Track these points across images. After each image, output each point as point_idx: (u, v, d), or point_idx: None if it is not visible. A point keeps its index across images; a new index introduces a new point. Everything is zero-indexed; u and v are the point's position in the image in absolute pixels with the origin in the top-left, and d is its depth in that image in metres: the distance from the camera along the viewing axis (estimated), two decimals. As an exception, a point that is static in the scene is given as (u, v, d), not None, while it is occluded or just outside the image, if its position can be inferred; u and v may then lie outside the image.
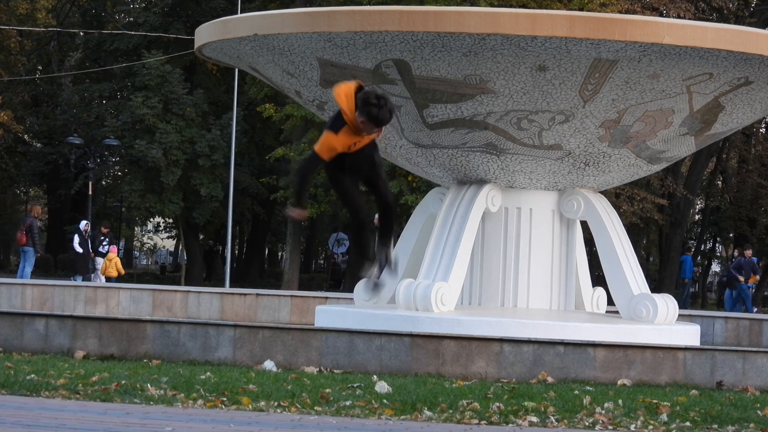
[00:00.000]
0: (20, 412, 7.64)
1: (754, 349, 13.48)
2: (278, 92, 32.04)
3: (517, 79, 14.43)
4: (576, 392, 10.46)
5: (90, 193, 39.30)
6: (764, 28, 40.83)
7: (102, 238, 33.80)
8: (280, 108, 38.35)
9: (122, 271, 34.67)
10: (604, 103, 14.75)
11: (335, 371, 12.06)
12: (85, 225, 34.23)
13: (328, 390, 9.44)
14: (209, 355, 12.59)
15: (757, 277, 38.07)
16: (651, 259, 64.61)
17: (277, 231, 61.63)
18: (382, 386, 9.80)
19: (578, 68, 14.26)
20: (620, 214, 28.28)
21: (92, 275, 33.32)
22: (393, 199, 10.12)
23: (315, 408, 8.55)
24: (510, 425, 8.17)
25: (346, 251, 31.85)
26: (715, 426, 8.44)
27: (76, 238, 33.20)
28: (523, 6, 34.70)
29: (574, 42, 13.84)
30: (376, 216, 10.06)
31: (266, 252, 64.40)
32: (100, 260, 33.56)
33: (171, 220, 53.64)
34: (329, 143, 9.12)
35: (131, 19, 51.07)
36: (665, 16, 37.71)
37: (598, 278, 22.76)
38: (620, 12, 35.03)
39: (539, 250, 16.05)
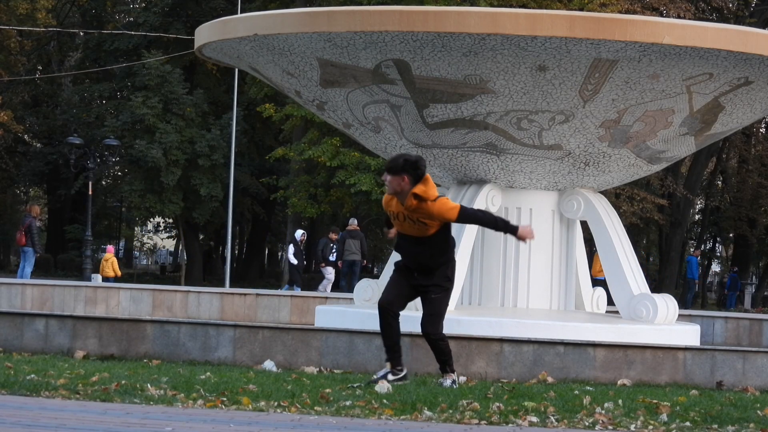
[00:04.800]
0: (20, 412, 7.63)
1: (754, 349, 13.48)
2: (278, 92, 32.05)
3: (517, 79, 14.43)
4: (576, 392, 10.45)
5: (90, 193, 39.29)
6: (764, 28, 40.83)
7: (331, 245, 31.83)
8: (280, 108, 38.39)
9: (118, 273, 34.11)
10: (604, 103, 14.76)
11: (335, 371, 12.05)
12: (302, 235, 32.47)
13: (328, 390, 9.44)
14: (209, 355, 12.59)
15: None
16: (651, 259, 64.65)
17: (277, 231, 61.65)
18: (382, 386, 9.82)
19: (578, 68, 14.26)
20: (620, 214, 28.29)
21: (322, 285, 31.10)
22: (432, 330, 10.21)
23: (315, 408, 8.54)
24: (510, 425, 8.17)
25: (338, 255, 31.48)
26: (715, 426, 8.44)
27: (291, 249, 31.71)
28: (523, 6, 34.72)
29: (574, 42, 13.84)
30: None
31: (266, 252, 64.41)
32: (330, 269, 31.62)
33: (171, 220, 53.63)
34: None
35: (131, 19, 51.14)
36: (665, 16, 37.72)
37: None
38: (620, 12, 35.04)
39: (539, 250, 16.05)
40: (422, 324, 10.14)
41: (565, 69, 14.27)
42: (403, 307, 10.22)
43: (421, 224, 9.90)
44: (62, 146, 46.03)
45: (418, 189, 9.83)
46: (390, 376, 10.05)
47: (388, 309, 10.11)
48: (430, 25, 13.94)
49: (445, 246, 10.04)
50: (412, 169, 9.80)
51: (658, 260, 47.77)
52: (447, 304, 10.17)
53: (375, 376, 10.13)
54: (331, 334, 12.54)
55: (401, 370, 10.19)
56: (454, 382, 10.19)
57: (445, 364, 10.23)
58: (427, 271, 10.05)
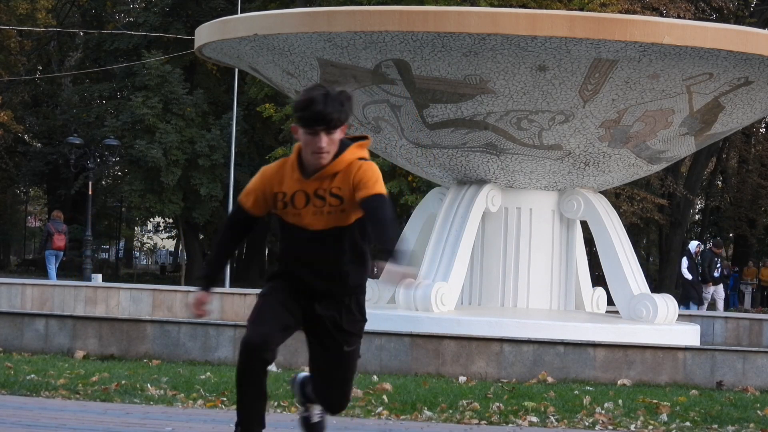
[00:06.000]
0: (20, 412, 7.64)
1: (754, 349, 13.49)
2: (278, 92, 32.04)
3: (517, 79, 14.43)
4: (576, 392, 10.46)
5: (90, 193, 39.29)
6: (764, 28, 40.82)
7: (716, 260, 27.84)
8: (280, 108, 38.38)
9: None
10: (604, 103, 14.75)
11: (335, 371, 12.04)
12: (697, 246, 27.39)
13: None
14: (209, 355, 12.59)
15: None
16: (651, 259, 64.62)
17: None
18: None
19: (578, 68, 14.26)
20: (620, 214, 28.19)
21: (701, 305, 26.88)
22: (345, 406, 6.29)
23: (315, 408, 8.53)
24: (510, 425, 8.17)
25: None
26: (715, 426, 8.44)
27: (685, 262, 26.74)
28: (523, 6, 34.70)
29: (574, 42, 13.84)
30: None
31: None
32: (713, 289, 27.50)
33: (171, 220, 53.62)
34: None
35: (131, 19, 51.13)
36: (665, 16, 37.71)
37: (598, 278, 22.75)
38: (620, 12, 35.03)
39: (539, 250, 16.05)
40: (331, 404, 6.19)
41: (565, 69, 14.27)
42: (277, 348, 6.07)
43: (338, 207, 5.73)
44: (62, 146, 46.01)
45: (362, 146, 5.78)
46: None
47: (261, 349, 5.94)
48: (430, 25, 13.94)
49: (366, 245, 5.90)
50: (351, 110, 5.69)
51: (658, 260, 47.74)
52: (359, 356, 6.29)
53: None
54: (331, 334, 12.52)
55: None
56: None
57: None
58: (332, 292, 6.06)
